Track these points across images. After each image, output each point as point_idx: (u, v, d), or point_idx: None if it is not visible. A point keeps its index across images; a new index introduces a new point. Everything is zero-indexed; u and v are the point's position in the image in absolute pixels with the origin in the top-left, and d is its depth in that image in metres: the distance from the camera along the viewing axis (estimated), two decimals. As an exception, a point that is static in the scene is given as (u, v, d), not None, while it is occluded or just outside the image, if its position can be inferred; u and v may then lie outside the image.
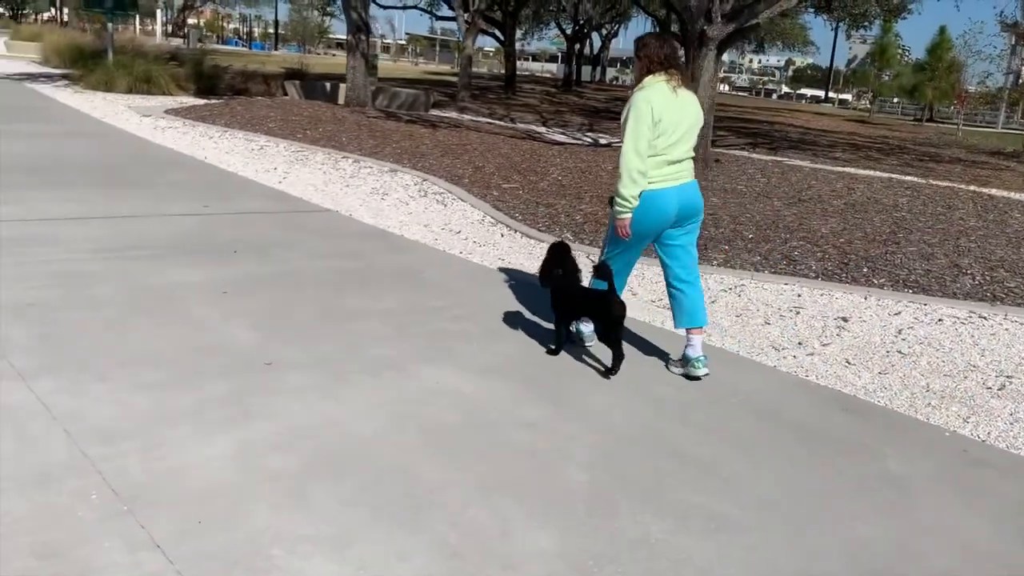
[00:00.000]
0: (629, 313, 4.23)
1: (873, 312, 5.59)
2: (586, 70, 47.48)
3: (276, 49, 68.70)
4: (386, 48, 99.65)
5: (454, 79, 27.43)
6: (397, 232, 6.91)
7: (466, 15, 22.93)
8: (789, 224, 7.96)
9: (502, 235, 7.12)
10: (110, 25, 18.80)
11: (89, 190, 7.22)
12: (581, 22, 38.23)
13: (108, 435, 2.94)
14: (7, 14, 74.03)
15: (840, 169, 13.58)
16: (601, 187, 9.32)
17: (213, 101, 16.45)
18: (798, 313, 5.47)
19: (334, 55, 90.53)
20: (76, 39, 24.82)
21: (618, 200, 3.94)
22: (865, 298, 5.87)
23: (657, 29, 32.80)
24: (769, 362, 4.57)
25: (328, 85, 18.21)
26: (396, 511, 2.67)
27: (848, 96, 63.00)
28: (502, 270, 5.95)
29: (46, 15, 67.95)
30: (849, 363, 4.64)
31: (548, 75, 55.66)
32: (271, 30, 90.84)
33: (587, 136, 17.07)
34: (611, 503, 2.85)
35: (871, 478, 3.24)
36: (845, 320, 5.38)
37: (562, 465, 3.09)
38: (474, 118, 18.41)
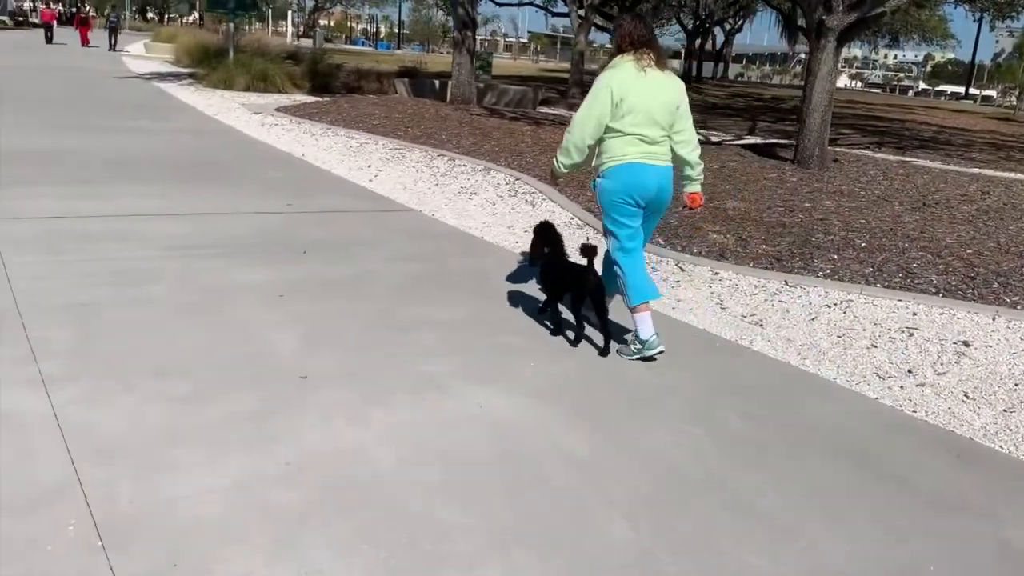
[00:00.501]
0: (715, 328, 4.33)
1: (1002, 336, 4.86)
2: (708, 66, 46.12)
3: (399, 48, 70.25)
4: (508, 46, 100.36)
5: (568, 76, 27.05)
6: (478, 234, 6.62)
7: (579, 11, 22.49)
8: (909, 232, 7.18)
9: (588, 239, 6.71)
10: (232, 25, 19.40)
11: (179, 186, 7.27)
12: (703, 16, 37.07)
13: (110, 454, 2.74)
14: (155, 18, 78.80)
15: (974, 171, 12.38)
16: (703, 188, 8.73)
17: (324, 99, 16.68)
18: (911, 335, 4.82)
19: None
20: (204, 40, 25.90)
21: (554, 163, 4.19)
22: (993, 319, 5.13)
23: (782, 22, 31.39)
24: (871, 392, 3.99)
25: (437, 83, 18.19)
26: (395, 562, 2.33)
27: (992, 92, 58.78)
28: (581, 278, 5.55)
29: (189, 18, 71.92)
30: (967, 397, 4.00)
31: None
32: (396, 30, 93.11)
33: (699, 134, 16.32)
34: (654, 567, 2.43)
35: (984, 550, 2.68)
36: (967, 344, 4.69)
37: (603, 514, 2.68)
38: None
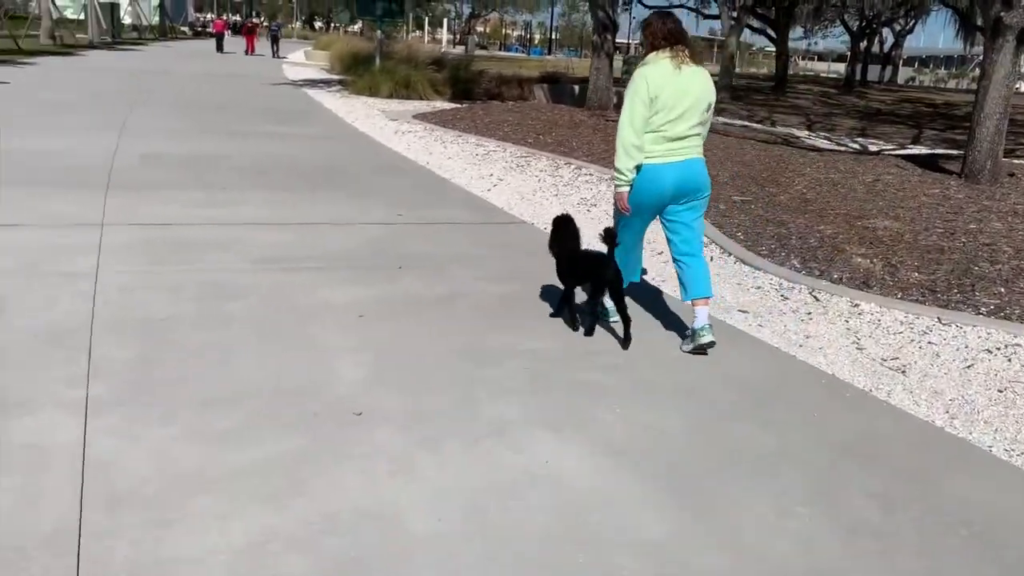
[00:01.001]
0: (847, 373, 4.03)
1: None
2: (874, 70, 43.30)
3: (550, 53, 70.38)
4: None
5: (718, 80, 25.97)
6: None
7: (731, 12, 21.48)
8: (1104, 263, 6.10)
9: (712, 258, 6.09)
10: (380, 32, 19.78)
11: (297, 193, 7.21)
12: (869, 17, 34.78)
13: (121, 500, 2.49)
14: (322, 27, 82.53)
15: None
16: (852, 204, 7.87)
17: (462, 106, 16.64)
18: (1100, 395, 3.95)
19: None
20: (357, 47, 26.69)
21: (615, 173, 4.04)
22: None
23: (958, 21, 28.86)
24: (1041, 470, 3.23)
25: (576, 88, 17.78)
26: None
27: None
28: (696, 306, 4.98)
29: (353, 27, 75.03)
30: None
31: (835, 75, 51.59)
32: (554, 35, 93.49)
33: (855, 142, 15.10)
34: None
35: None
36: None
37: (671, 621, 2.17)
38: (728, 121, 17.06)
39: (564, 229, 4.31)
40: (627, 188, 4.02)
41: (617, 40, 17.35)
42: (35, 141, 8.91)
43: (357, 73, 19.82)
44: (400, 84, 18.23)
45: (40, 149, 8.44)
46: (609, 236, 4.06)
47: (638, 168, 3.97)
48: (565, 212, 4.49)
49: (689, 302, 4.17)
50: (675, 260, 4.23)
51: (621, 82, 18.29)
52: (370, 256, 5.46)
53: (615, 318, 4.27)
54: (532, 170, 9.56)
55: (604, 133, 12.47)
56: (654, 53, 3.98)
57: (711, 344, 4.02)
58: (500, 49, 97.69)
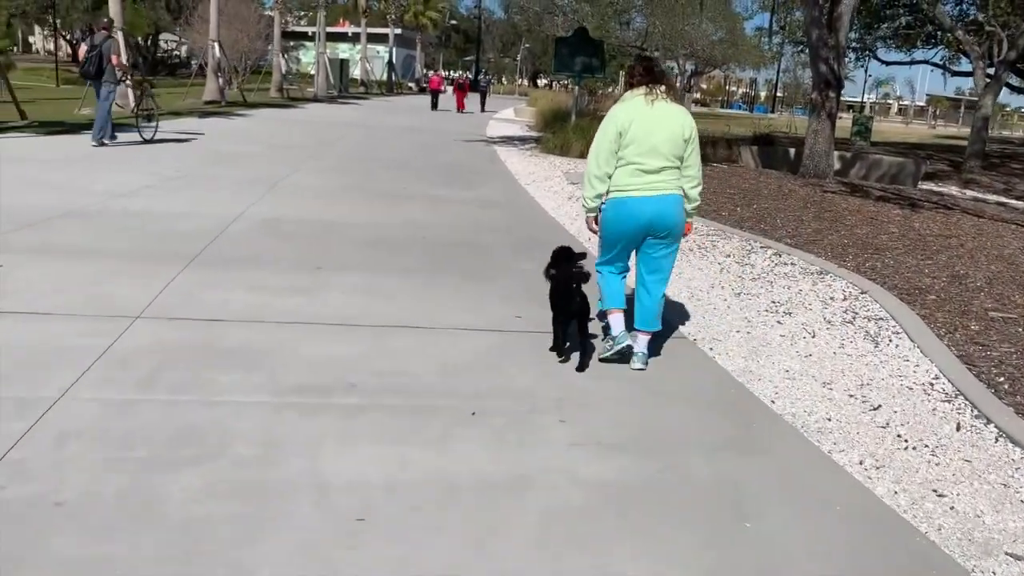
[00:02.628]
0: None
1: None
2: None
3: (773, 111, 66.83)
4: (902, 110, 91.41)
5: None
6: (770, 394, 4.27)
7: (987, 69, 18.30)
8: None
9: (957, 428, 4.00)
10: (577, 88, 18.65)
11: (404, 278, 5.91)
12: None
13: None
14: (547, 84, 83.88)
15: None
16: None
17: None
18: None
19: (840, 116, 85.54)
20: (558, 104, 25.85)
21: (582, 201, 4.40)
22: None
23: None
24: None
25: (792, 151, 15.58)
26: None
27: None
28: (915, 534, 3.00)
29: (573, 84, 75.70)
30: None
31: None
32: (779, 93, 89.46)
33: None
34: None
35: None
36: None
37: None
38: (980, 195, 14.14)
39: (558, 261, 4.37)
40: (592, 215, 4.38)
41: (847, 98, 15.02)
42: (162, 200, 8.33)
43: (552, 131, 18.76)
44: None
45: (158, 210, 7.79)
46: (578, 276, 4.26)
47: (600, 197, 4.26)
48: (566, 246, 4.42)
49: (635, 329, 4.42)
50: (637, 284, 4.48)
51: (845, 145, 15.90)
52: (452, 389, 3.95)
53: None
54: (716, 254, 7.71)
55: (818, 207, 10.32)
56: (630, 91, 4.23)
57: (639, 369, 4.34)
58: (722, 106, 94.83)
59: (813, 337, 5.33)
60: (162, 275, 5.42)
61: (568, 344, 4.49)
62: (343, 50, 57.42)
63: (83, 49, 12.54)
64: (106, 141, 12.41)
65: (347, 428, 3.41)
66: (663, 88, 4.17)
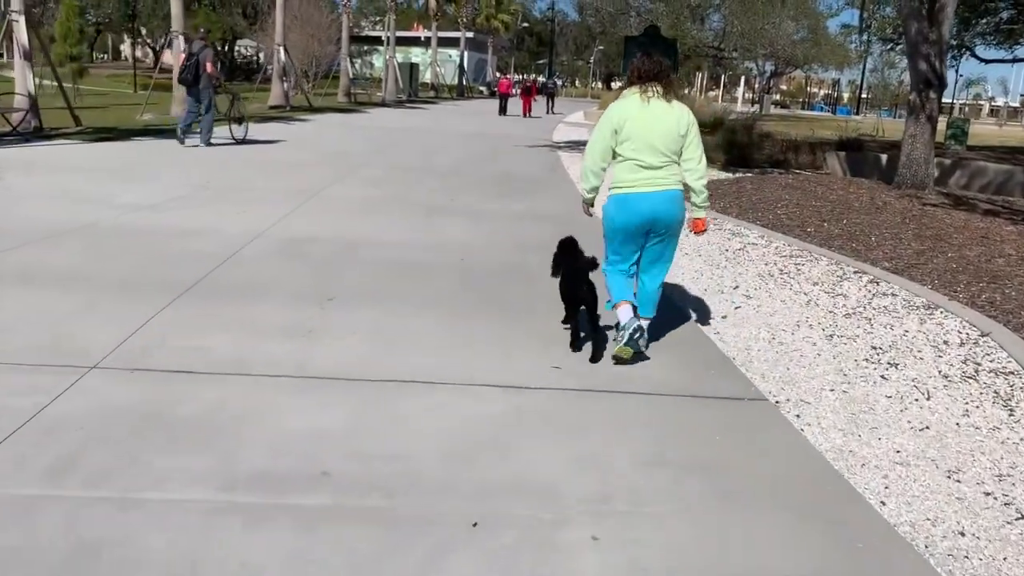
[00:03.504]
0: None
1: None
2: None
3: (857, 113, 63.98)
4: (993, 111, 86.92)
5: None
6: (879, 493, 3.21)
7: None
8: None
9: None
10: (647, 90, 17.55)
11: (423, 315, 5.02)
12: None
13: None
14: (619, 86, 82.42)
15: None
16: None
17: (730, 176, 13.82)
18: None
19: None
20: (630, 106, 24.75)
21: (580, 191, 4.58)
22: None
23: None
24: None
25: (884, 158, 14.19)
26: None
27: None
28: None
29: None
30: None
31: None
32: (863, 94, 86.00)
33: None
34: None
35: None
36: None
37: None
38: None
39: (566, 252, 4.55)
40: (587, 206, 4.65)
41: (943, 99, 13.59)
42: (184, 215, 7.66)
43: (621, 134, 17.74)
44: (664, 148, 15.78)
45: (174, 226, 7.10)
46: (588, 263, 4.47)
47: (597, 190, 4.47)
48: (571, 236, 4.61)
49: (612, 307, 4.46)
50: (637, 274, 4.54)
51: (939, 150, 14.47)
52: (442, 484, 3.04)
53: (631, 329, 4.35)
54: (801, 281, 6.62)
55: (919, 223, 9.06)
56: (629, 88, 4.31)
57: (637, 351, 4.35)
58: (803, 108, 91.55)
59: (928, 399, 4.23)
60: (144, 310, 4.65)
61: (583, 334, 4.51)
62: (416, 54, 57.29)
63: (181, 57, 13.40)
64: (199, 143, 13.02)
65: (300, 549, 2.52)
66: (660, 86, 4.24)
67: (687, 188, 4.38)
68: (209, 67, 12.76)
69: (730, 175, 14.31)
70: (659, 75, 4.26)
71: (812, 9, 45.89)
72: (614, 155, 4.27)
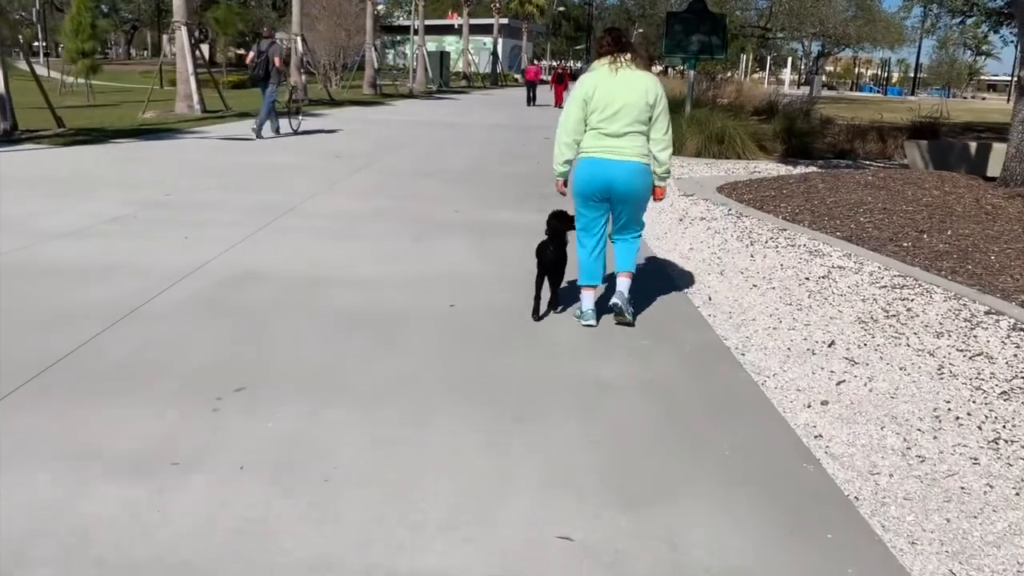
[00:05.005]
0: None
1: None
2: None
3: (913, 94, 60.76)
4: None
5: None
6: None
7: None
8: None
9: None
10: (692, 74, 15.61)
11: (383, 419, 3.31)
12: None
13: None
14: (660, 71, 79.02)
15: None
16: None
17: (795, 171, 11.89)
18: None
19: (984, 98, 77.27)
20: (671, 91, 22.73)
21: (553, 165, 4.53)
22: None
23: None
24: None
25: (973, 147, 12.12)
26: None
27: None
28: None
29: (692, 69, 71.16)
30: None
31: None
32: (912, 74, 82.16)
33: None
34: None
35: None
36: None
37: None
38: None
39: (551, 224, 4.61)
40: (561, 179, 4.59)
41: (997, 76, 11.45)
42: (110, 244, 6.06)
43: (663, 123, 15.82)
44: (712, 138, 13.89)
45: (88, 262, 5.50)
46: (560, 218, 4.57)
47: (570, 163, 4.45)
48: (562, 210, 4.65)
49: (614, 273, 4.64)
50: (610, 238, 4.63)
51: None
52: None
53: (623, 318, 4.58)
54: (918, 329, 4.78)
55: (1048, 235, 7.10)
56: (598, 60, 4.37)
57: (626, 323, 4.58)
58: (851, 89, 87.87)
59: None
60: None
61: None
62: (450, 43, 55.57)
63: (251, 55, 13.92)
64: (263, 135, 13.64)
65: None
66: (628, 56, 4.29)
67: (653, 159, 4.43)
68: (278, 62, 13.55)
69: (792, 169, 12.37)
70: (625, 46, 4.34)
71: (865, -16, 43.07)
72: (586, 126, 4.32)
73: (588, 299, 4.60)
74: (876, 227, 7.60)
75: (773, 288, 5.70)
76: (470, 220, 7.57)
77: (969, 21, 21.72)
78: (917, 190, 8.98)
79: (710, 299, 5.38)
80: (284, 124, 14.59)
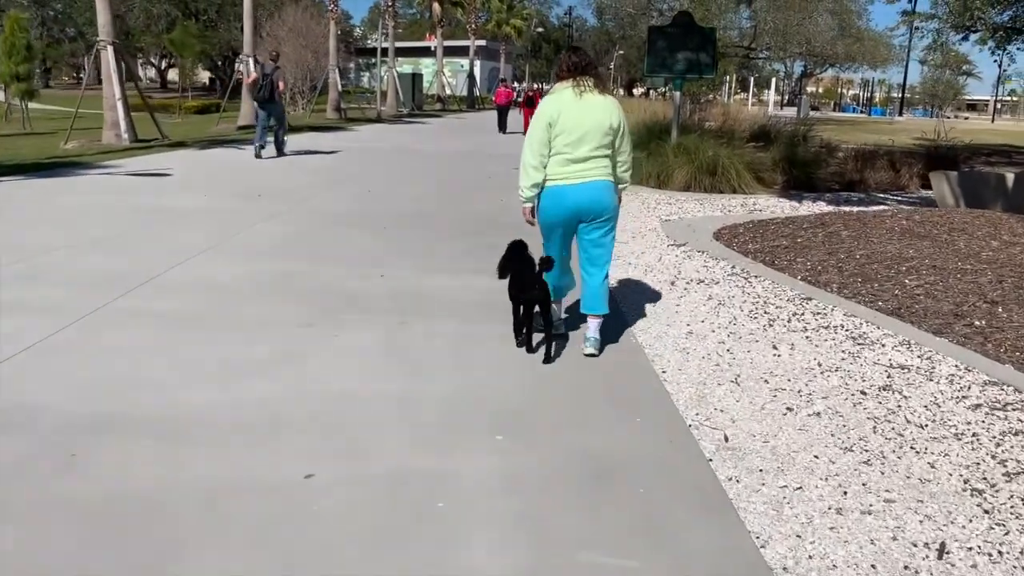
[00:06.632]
0: None
1: None
2: None
3: (900, 115, 59.59)
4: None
5: None
6: None
7: None
8: None
9: None
10: (678, 95, 13.80)
11: None
12: None
13: None
14: (641, 93, 77.37)
15: None
16: None
17: (804, 207, 10.08)
18: None
19: (966, 118, 76.18)
20: (655, 115, 20.97)
21: (519, 191, 4.40)
22: None
23: None
24: None
25: (1009, 179, 10.33)
26: None
27: None
28: None
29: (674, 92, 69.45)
30: None
31: None
32: (894, 94, 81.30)
33: None
34: None
35: None
36: None
37: None
38: None
39: (514, 254, 4.42)
40: (528, 204, 4.40)
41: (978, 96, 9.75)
42: None
43: (646, 151, 13.96)
44: (703, 169, 12.06)
45: None
46: (547, 263, 4.33)
47: (541, 187, 4.31)
48: (520, 240, 4.48)
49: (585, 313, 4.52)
50: (581, 272, 4.58)
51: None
52: None
53: (590, 350, 4.46)
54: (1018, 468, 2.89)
55: None
56: (560, 83, 4.33)
57: (592, 355, 4.40)
58: (834, 110, 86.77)
59: None
60: None
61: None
62: (426, 65, 53.92)
63: (253, 76, 15.08)
64: (282, 151, 14.99)
65: None
66: (591, 80, 4.28)
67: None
68: (281, 85, 14.63)
69: (798, 205, 10.54)
70: (587, 68, 4.31)
71: (848, 3, 41.76)
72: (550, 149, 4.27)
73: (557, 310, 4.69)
74: (930, 295, 5.74)
75: (817, 413, 3.79)
76: (395, 290, 5.64)
77: (973, 37, 20.10)
78: (969, 240, 7.13)
79: (726, 440, 3.48)
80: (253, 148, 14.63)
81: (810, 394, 4.04)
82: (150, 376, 3.89)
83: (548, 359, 4.34)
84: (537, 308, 4.45)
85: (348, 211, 9.01)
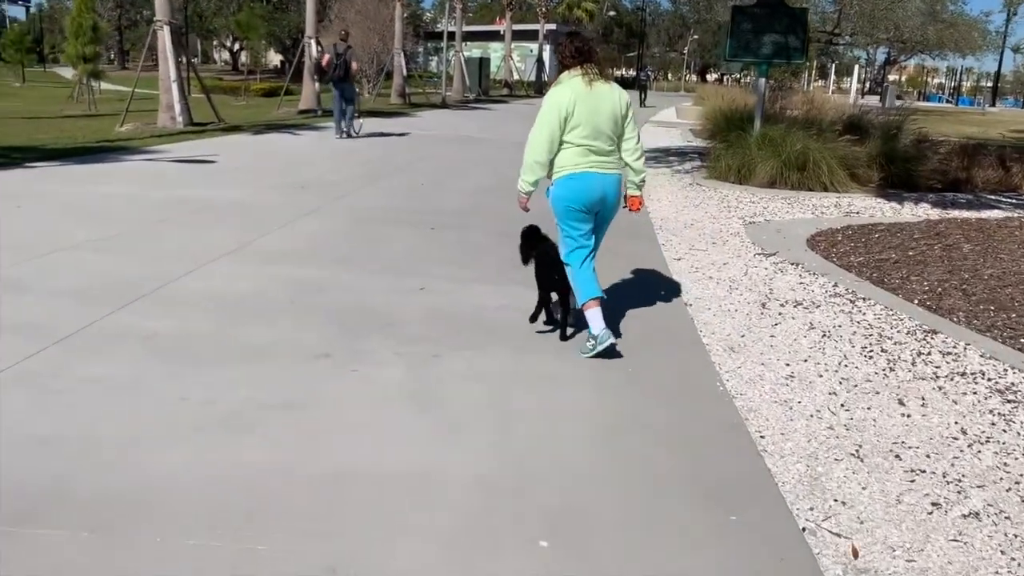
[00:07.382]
0: None
1: None
2: None
3: (992, 105, 56.26)
4: None
5: None
6: None
7: None
8: None
9: None
10: (763, 81, 12.61)
11: None
12: None
13: None
14: (716, 79, 74.44)
15: None
16: None
17: (907, 209, 8.90)
18: None
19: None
20: (735, 102, 19.71)
21: (519, 184, 4.21)
22: None
23: None
24: None
25: None
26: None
27: None
28: None
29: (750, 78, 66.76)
30: None
31: None
32: (983, 83, 77.25)
33: None
34: None
35: None
36: None
37: None
38: None
39: (534, 239, 4.41)
40: (526, 198, 4.27)
41: None
42: None
43: (725, 142, 12.84)
44: (791, 164, 10.91)
45: None
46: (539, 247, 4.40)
47: (538, 183, 4.19)
48: (531, 225, 4.44)
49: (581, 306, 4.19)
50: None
51: None
52: None
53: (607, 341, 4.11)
54: None
55: None
56: (566, 72, 4.13)
57: (608, 349, 4.07)
58: (918, 99, 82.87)
59: None
60: None
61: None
62: (495, 49, 52.98)
63: (327, 57, 14.85)
64: (352, 132, 15.26)
65: None
66: (595, 68, 4.11)
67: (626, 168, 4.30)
68: (355, 65, 14.97)
69: (899, 207, 9.35)
70: (590, 53, 4.14)
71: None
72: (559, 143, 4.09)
73: (597, 317, 4.13)
74: (1089, 332, 4.63)
75: (975, 514, 2.81)
76: (433, 309, 4.80)
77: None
78: (1124, 258, 5.95)
79: (855, 556, 2.53)
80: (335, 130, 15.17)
81: (959, 480, 3.05)
82: (115, 428, 3.11)
83: (564, 336, 4.36)
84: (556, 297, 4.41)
85: (394, 207, 8.20)
